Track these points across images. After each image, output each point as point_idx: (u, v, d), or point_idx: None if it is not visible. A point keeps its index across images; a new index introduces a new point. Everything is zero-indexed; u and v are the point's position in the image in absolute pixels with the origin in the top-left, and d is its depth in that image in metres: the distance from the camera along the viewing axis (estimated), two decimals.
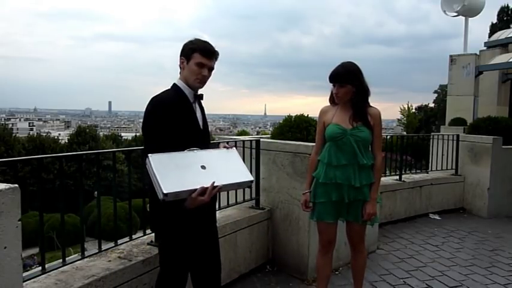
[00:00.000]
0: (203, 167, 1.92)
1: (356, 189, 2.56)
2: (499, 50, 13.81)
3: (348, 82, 2.54)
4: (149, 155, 1.85)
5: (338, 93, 2.58)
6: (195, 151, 1.99)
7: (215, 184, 1.90)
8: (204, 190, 1.87)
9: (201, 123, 2.19)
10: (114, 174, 2.79)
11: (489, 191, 5.97)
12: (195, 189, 1.86)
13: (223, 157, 2.07)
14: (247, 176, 2.07)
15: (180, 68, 2.15)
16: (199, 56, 2.09)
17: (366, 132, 2.56)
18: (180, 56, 2.14)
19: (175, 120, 2.02)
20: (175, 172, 1.84)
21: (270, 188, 3.75)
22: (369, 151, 2.63)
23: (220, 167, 1.98)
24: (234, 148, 2.18)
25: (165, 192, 1.76)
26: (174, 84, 2.16)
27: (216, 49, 2.15)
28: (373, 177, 2.62)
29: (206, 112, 2.31)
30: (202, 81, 2.15)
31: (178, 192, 1.81)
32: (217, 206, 2.68)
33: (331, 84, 2.63)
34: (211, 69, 2.15)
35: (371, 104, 2.65)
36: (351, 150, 2.55)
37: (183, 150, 1.98)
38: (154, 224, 2.24)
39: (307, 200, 2.71)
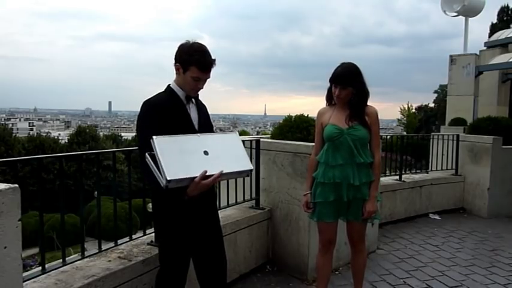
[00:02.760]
0: (206, 153, 1.92)
1: (355, 188, 2.57)
2: (499, 50, 13.81)
3: (351, 85, 2.55)
4: (154, 137, 1.82)
5: (340, 95, 2.58)
6: (199, 135, 1.99)
7: (217, 172, 1.90)
8: (205, 176, 1.87)
9: (196, 123, 2.17)
10: (114, 174, 2.79)
11: (489, 191, 5.97)
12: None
13: (226, 142, 2.07)
14: (247, 165, 2.08)
15: (176, 71, 2.13)
16: (196, 70, 2.06)
17: (363, 131, 2.57)
18: (176, 61, 2.09)
19: (167, 122, 2.01)
20: (179, 157, 1.84)
21: (270, 188, 3.75)
22: (367, 149, 2.64)
23: (223, 153, 1.98)
24: (236, 132, 2.19)
25: (168, 178, 1.75)
26: (168, 86, 2.15)
27: (213, 56, 2.11)
28: (373, 176, 2.62)
29: None
30: (197, 91, 2.17)
31: (181, 179, 1.81)
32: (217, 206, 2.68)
33: (329, 83, 2.64)
34: (207, 79, 2.14)
35: (369, 104, 2.66)
36: (348, 150, 2.56)
37: None
38: (154, 221, 2.25)
39: (308, 201, 2.72)
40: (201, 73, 2.07)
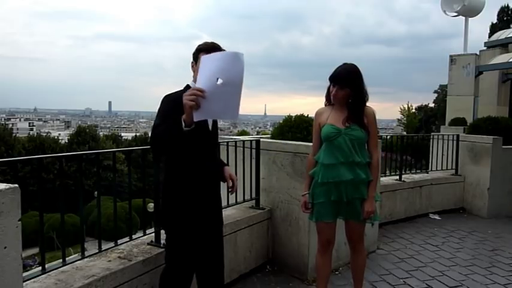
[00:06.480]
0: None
1: (354, 188, 2.57)
2: (499, 50, 13.84)
3: (348, 86, 2.55)
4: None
5: (336, 95, 2.58)
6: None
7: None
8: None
9: (210, 122, 2.25)
10: (114, 174, 2.79)
11: (489, 191, 5.97)
12: None
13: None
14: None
15: (192, 69, 2.26)
16: (204, 54, 2.15)
17: (360, 131, 2.57)
18: (192, 60, 2.26)
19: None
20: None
21: (270, 188, 3.75)
22: (365, 150, 2.64)
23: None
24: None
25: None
26: (187, 85, 2.24)
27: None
28: (371, 176, 2.62)
29: None
30: None
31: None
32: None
33: (328, 82, 2.64)
34: None
35: (368, 104, 2.65)
36: (346, 149, 2.56)
37: (192, 150, 2.09)
38: (162, 220, 2.28)
39: (307, 202, 2.72)
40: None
